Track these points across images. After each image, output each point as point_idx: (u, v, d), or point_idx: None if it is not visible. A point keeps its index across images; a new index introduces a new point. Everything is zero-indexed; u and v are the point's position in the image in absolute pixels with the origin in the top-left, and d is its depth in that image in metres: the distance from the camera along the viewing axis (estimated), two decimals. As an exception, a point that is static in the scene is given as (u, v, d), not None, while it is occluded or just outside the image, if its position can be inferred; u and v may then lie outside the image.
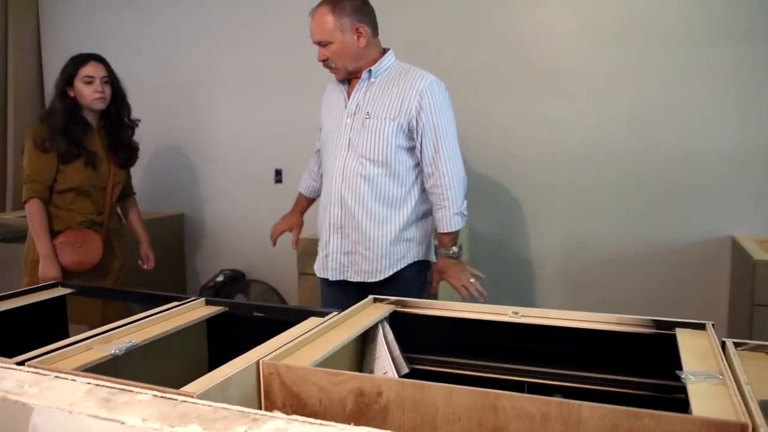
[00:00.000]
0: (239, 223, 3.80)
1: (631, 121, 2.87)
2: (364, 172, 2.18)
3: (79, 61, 2.68)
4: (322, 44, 2.19)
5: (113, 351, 1.32)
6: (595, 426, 0.95)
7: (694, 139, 2.78)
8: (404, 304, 1.64)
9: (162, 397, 0.88)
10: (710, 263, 2.82)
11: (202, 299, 1.71)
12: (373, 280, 2.23)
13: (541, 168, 3.04)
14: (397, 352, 1.54)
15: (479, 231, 3.09)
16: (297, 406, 1.14)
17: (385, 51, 2.27)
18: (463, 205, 2.21)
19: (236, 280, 3.67)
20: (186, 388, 1.05)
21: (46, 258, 2.58)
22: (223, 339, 1.69)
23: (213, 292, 3.46)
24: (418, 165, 2.23)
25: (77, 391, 0.90)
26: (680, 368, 1.18)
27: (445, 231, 2.20)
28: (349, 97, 2.26)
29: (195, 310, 1.66)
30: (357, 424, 0.96)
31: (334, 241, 2.26)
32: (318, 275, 2.34)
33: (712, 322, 1.38)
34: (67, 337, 1.54)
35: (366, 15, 2.20)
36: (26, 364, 1.18)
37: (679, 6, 2.77)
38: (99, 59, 2.71)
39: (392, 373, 1.48)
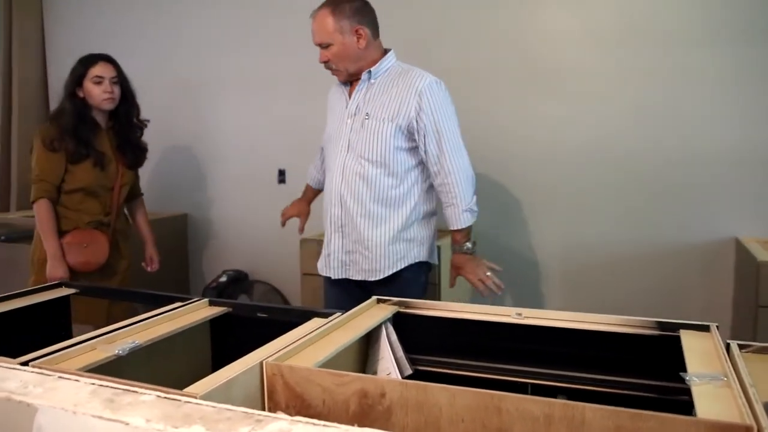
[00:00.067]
0: (242, 224, 3.80)
1: (632, 121, 2.86)
2: (363, 172, 2.20)
3: (89, 61, 2.68)
4: (322, 46, 2.21)
5: (117, 351, 1.32)
6: (599, 428, 0.95)
7: (696, 139, 2.77)
8: (408, 305, 1.64)
9: (166, 397, 0.88)
10: (714, 264, 2.81)
11: (206, 300, 1.71)
12: (373, 279, 2.25)
13: (542, 168, 3.04)
14: (400, 353, 1.54)
15: (479, 231, 3.07)
16: (300, 407, 1.14)
17: (386, 52, 2.28)
18: (473, 200, 2.22)
19: (239, 281, 3.68)
20: (189, 389, 1.05)
21: (53, 258, 2.58)
22: (227, 339, 1.69)
23: (216, 293, 3.47)
24: (419, 165, 2.24)
25: (81, 392, 0.90)
26: (684, 370, 1.18)
27: (456, 228, 2.22)
28: (350, 98, 2.28)
29: (198, 311, 1.66)
30: (360, 425, 0.96)
31: (336, 240, 2.28)
32: (321, 273, 2.37)
33: (717, 324, 1.37)
34: (70, 337, 1.55)
35: (366, 16, 2.21)
36: (30, 364, 1.19)
37: (680, 6, 2.77)
38: (108, 59, 2.71)
39: (395, 374, 1.48)
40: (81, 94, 2.66)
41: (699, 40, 2.74)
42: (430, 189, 2.29)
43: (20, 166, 4.14)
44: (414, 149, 2.21)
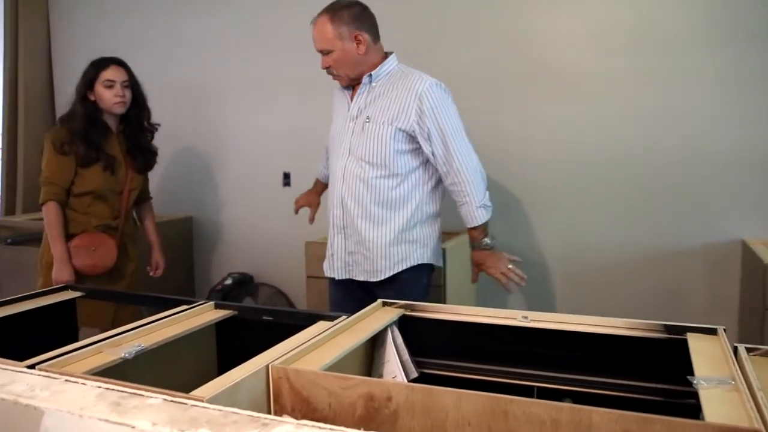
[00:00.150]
0: (247, 226, 3.81)
1: (635, 122, 2.86)
2: (363, 174, 2.22)
3: (100, 64, 2.68)
4: (323, 52, 2.24)
5: (123, 355, 1.32)
6: (606, 432, 0.95)
7: (700, 140, 2.76)
8: (413, 308, 1.63)
9: (172, 401, 0.88)
10: (720, 267, 2.80)
11: (211, 303, 1.71)
12: (374, 279, 2.26)
13: (543, 168, 3.03)
14: (406, 356, 1.53)
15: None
16: (306, 410, 1.14)
17: (387, 55, 2.30)
18: (485, 197, 2.23)
19: (244, 284, 3.68)
20: (196, 392, 1.05)
21: (60, 261, 2.59)
22: (232, 343, 1.69)
23: (221, 296, 3.47)
24: (421, 166, 2.25)
25: (88, 395, 0.91)
26: (691, 373, 1.17)
27: (473, 225, 2.23)
28: (351, 102, 2.30)
29: (204, 314, 1.66)
30: (367, 428, 0.96)
31: (338, 241, 2.31)
32: (325, 274, 2.39)
33: (724, 327, 1.37)
34: (76, 340, 1.55)
35: (364, 22, 2.23)
36: (37, 367, 1.19)
37: (680, 8, 2.76)
38: (120, 63, 2.72)
39: (401, 378, 1.48)
40: (92, 98, 2.67)
41: (701, 40, 2.74)
42: (434, 190, 2.30)
43: (26, 169, 4.16)
44: (415, 151, 2.23)
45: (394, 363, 1.49)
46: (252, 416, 0.82)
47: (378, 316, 1.58)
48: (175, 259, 3.46)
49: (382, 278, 2.25)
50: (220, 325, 1.67)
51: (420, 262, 2.28)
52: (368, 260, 2.26)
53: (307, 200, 2.77)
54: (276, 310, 1.70)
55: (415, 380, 1.50)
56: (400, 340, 1.55)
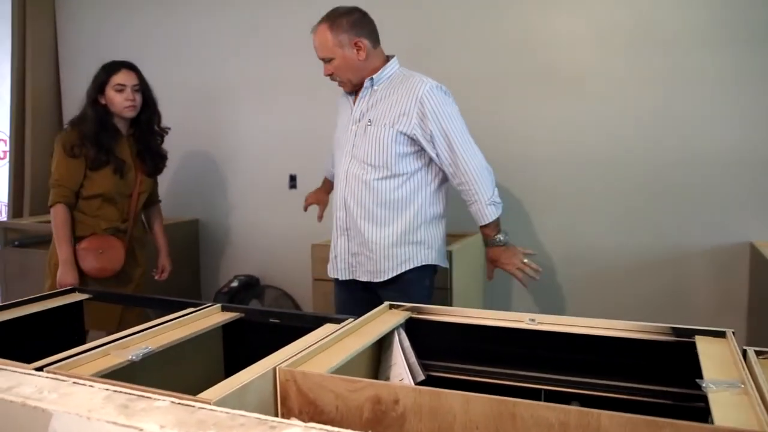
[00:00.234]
0: (254, 229, 3.81)
1: (639, 123, 2.85)
2: (366, 177, 2.24)
3: (111, 68, 2.69)
4: (325, 60, 2.27)
5: (130, 357, 1.32)
6: (615, 435, 0.94)
7: (705, 142, 2.75)
8: (420, 311, 1.63)
9: (179, 403, 0.88)
10: (727, 269, 2.78)
11: (218, 305, 1.71)
12: (377, 280, 2.28)
13: (546, 170, 3.03)
14: (413, 358, 1.53)
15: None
16: (314, 413, 1.14)
17: (388, 59, 2.32)
18: (494, 193, 2.23)
19: (251, 286, 3.68)
20: (203, 395, 1.05)
21: (65, 264, 2.59)
22: (239, 345, 1.69)
23: (227, 298, 3.47)
24: (424, 168, 2.26)
25: (95, 397, 0.91)
26: (700, 377, 1.17)
27: (484, 223, 2.24)
28: (354, 105, 2.33)
29: (211, 317, 1.66)
30: (374, 431, 0.96)
31: (341, 242, 2.33)
32: (329, 275, 2.42)
33: (733, 330, 1.36)
34: (83, 342, 1.55)
35: (364, 28, 2.25)
36: (45, 369, 1.19)
37: (681, 8, 2.76)
38: (131, 67, 2.73)
39: (408, 380, 1.47)
40: (103, 101, 2.68)
41: (701, 41, 2.73)
42: (437, 191, 2.31)
43: (33, 171, 4.17)
44: (417, 153, 2.24)
45: (401, 366, 1.49)
46: (260, 419, 0.82)
47: (385, 319, 1.58)
48: (182, 262, 3.46)
49: (386, 279, 2.26)
50: (226, 328, 1.67)
51: (424, 263, 2.28)
52: (371, 261, 2.27)
53: (316, 198, 2.80)
54: (283, 313, 1.70)
55: (421, 383, 1.50)
56: (407, 342, 1.55)
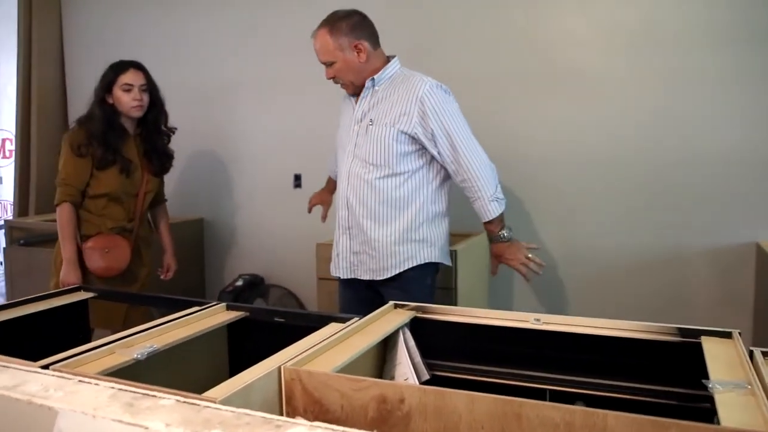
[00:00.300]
0: (258, 228, 3.81)
1: (645, 124, 2.85)
2: (367, 175, 2.26)
3: (119, 68, 2.69)
4: (327, 64, 2.30)
5: (135, 356, 1.33)
6: (621, 436, 0.94)
7: (713, 143, 2.75)
8: (425, 310, 1.63)
9: (185, 402, 0.88)
10: (733, 270, 2.78)
11: (223, 304, 1.72)
12: (380, 278, 2.29)
13: (550, 170, 3.03)
14: (418, 358, 1.53)
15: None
16: (318, 412, 1.14)
17: (389, 59, 2.34)
18: (497, 190, 2.25)
19: (255, 285, 3.68)
20: (208, 394, 1.05)
21: (68, 263, 2.60)
22: (244, 344, 1.69)
23: (232, 297, 3.47)
24: (425, 166, 2.28)
25: (101, 396, 0.91)
26: (705, 377, 1.16)
27: (488, 219, 2.26)
28: (356, 105, 2.35)
29: (216, 315, 1.66)
30: (380, 431, 0.95)
31: (344, 241, 2.36)
32: (332, 274, 2.44)
33: (739, 331, 1.36)
34: (89, 341, 1.56)
35: (363, 30, 2.28)
36: (50, 367, 1.19)
37: (684, 8, 2.76)
38: (138, 67, 2.73)
39: (413, 380, 1.47)
40: (110, 101, 2.68)
41: (702, 41, 2.73)
42: (439, 189, 2.32)
43: (39, 170, 4.18)
44: (418, 151, 2.26)
45: (406, 365, 1.49)
46: (265, 418, 0.82)
47: (390, 318, 1.58)
48: (187, 261, 3.47)
49: (388, 276, 2.28)
50: (231, 327, 1.68)
51: (427, 261, 2.30)
52: (374, 259, 2.29)
53: (320, 199, 2.83)
54: (288, 312, 1.70)
55: (426, 382, 1.50)
56: (411, 342, 1.55)
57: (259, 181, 3.79)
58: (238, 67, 3.77)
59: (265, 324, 1.67)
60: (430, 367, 1.55)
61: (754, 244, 2.72)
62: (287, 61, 3.58)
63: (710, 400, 1.09)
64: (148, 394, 0.91)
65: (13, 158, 4.64)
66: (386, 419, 1.09)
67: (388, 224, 2.26)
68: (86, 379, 0.98)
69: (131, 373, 1.28)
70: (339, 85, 2.36)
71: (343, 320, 1.55)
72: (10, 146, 5.06)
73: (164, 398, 0.89)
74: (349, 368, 1.27)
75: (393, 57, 2.34)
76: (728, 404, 1.04)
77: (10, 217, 4.45)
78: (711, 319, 2.77)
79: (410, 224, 2.26)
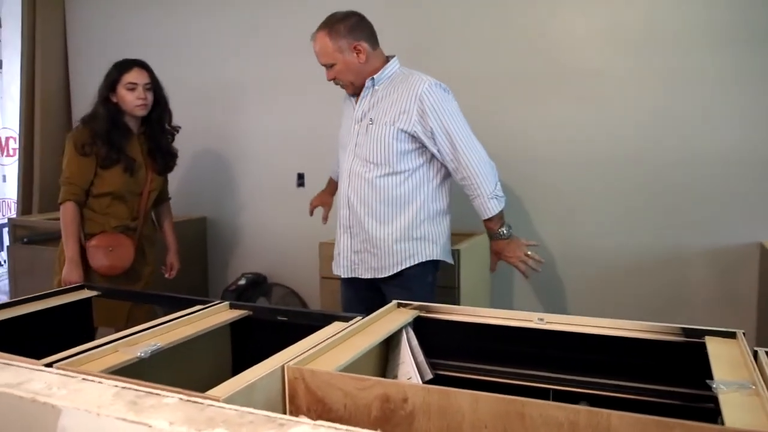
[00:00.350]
0: (261, 227, 3.81)
1: (650, 124, 2.84)
2: (368, 175, 2.28)
3: (123, 67, 2.69)
4: (327, 66, 2.32)
5: (139, 354, 1.33)
6: (625, 435, 0.94)
7: (714, 143, 2.74)
8: (428, 309, 1.63)
9: (188, 400, 0.88)
10: (736, 270, 2.77)
11: (226, 303, 1.72)
12: (382, 276, 2.31)
13: (550, 170, 3.03)
14: (421, 357, 1.53)
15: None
16: (322, 411, 1.14)
17: (389, 59, 2.36)
18: (497, 187, 2.26)
19: (258, 284, 3.69)
20: (212, 392, 1.05)
21: (71, 262, 2.60)
22: (247, 343, 1.69)
23: (235, 296, 3.48)
24: (425, 165, 2.29)
25: (105, 394, 0.91)
26: (709, 377, 1.16)
27: (487, 217, 2.27)
28: (356, 105, 2.37)
29: (219, 314, 1.66)
30: (383, 429, 0.95)
31: (345, 240, 2.37)
32: (334, 272, 2.45)
33: (743, 331, 1.35)
34: (92, 339, 1.56)
35: (362, 32, 2.29)
36: (54, 365, 1.19)
37: (684, 9, 2.75)
38: (142, 65, 2.72)
39: (416, 379, 1.47)
40: (114, 100, 2.68)
41: (702, 41, 2.73)
42: (440, 187, 2.33)
43: (42, 169, 4.19)
44: (418, 150, 2.27)
45: (409, 364, 1.49)
46: (268, 416, 0.81)
47: (393, 318, 1.58)
48: (190, 259, 3.47)
49: (390, 274, 2.29)
50: (234, 325, 1.68)
51: (428, 259, 2.31)
52: (375, 258, 2.30)
53: (321, 200, 2.84)
54: (291, 311, 1.71)
55: (429, 382, 1.50)
56: (415, 341, 1.55)
57: (262, 180, 3.79)
58: (241, 67, 3.77)
59: (268, 323, 1.68)
60: (433, 366, 1.55)
61: (756, 245, 2.71)
62: (290, 61, 3.58)
63: (714, 400, 1.09)
64: (151, 393, 0.91)
65: (16, 156, 4.65)
66: (389, 418, 1.09)
67: (390, 222, 2.28)
68: (90, 377, 0.98)
69: (135, 371, 1.28)
70: (339, 86, 2.38)
71: (346, 319, 1.55)
72: (14, 144, 5.07)
73: (168, 396, 0.89)
74: (352, 367, 1.27)
75: (392, 57, 2.36)
76: (732, 404, 1.03)
77: (14, 216, 4.46)
78: (711, 319, 2.76)
79: (411, 222, 2.27)
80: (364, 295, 2.35)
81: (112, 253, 2.67)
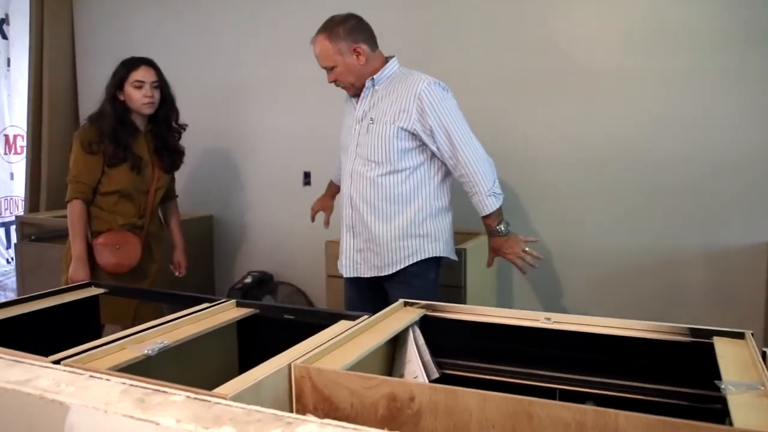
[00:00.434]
0: (268, 225, 3.82)
1: (650, 124, 2.83)
2: (370, 173, 2.30)
3: (130, 65, 2.69)
4: (328, 69, 2.35)
5: (146, 351, 1.33)
6: (632, 436, 0.93)
7: (722, 143, 2.72)
8: (434, 309, 1.63)
9: (195, 398, 0.88)
10: (740, 270, 2.75)
11: (233, 301, 1.72)
12: (385, 273, 2.33)
13: (550, 170, 3.02)
14: (427, 356, 1.53)
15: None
16: (328, 409, 1.14)
17: (388, 60, 2.38)
18: (495, 185, 2.28)
19: (264, 282, 3.69)
20: (219, 390, 1.05)
21: (77, 260, 2.61)
22: (253, 341, 1.69)
23: (241, 294, 3.48)
24: (426, 162, 2.31)
25: (112, 391, 0.91)
26: (716, 378, 1.16)
27: (485, 214, 2.29)
28: (357, 105, 2.39)
29: (226, 312, 1.66)
30: (389, 428, 0.95)
31: (348, 239, 2.40)
32: (339, 271, 2.47)
33: (752, 331, 1.35)
34: (99, 336, 1.56)
35: (361, 34, 2.32)
36: (62, 363, 1.20)
37: (685, 9, 2.74)
38: (150, 63, 2.73)
39: (423, 378, 1.47)
40: (121, 98, 2.68)
41: (703, 41, 2.72)
42: (441, 185, 2.35)
43: (50, 167, 4.20)
44: (419, 148, 2.29)
45: (416, 363, 1.49)
46: (275, 414, 0.82)
47: (399, 316, 1.58)
48: (196, 258, 3.48)
49: (393, 272, 2.31)
50: (241, 323, 1.68)
51: (431, 255, 2.33)
52: (378, 256, 2.32)
53: (321, 205, 2.88)
54: (297, 309, 1.71)
55: (436, 381, 1.50)
56: (421, 340, 1.55)
57: (268, 179, 3.79)
58: (248, 65, 3.77)
59: (274, 321, 1.68)
60: (439, 365, 1.55)
61: (760, 245, 2.70)
62: (297, 60, 3.57)
63: (721, 400, 1.09)
64: (159, 390, 0.91)
65: (24, 154, 4.67)
66: (396, 417, 1.09)
67: (392, 220, 2.30)
68: (98, 375, 0.98)
69: (142, 368, 1.28)
70: (340, 87, 2.40)
71: (352, 318, 1.55)
72: (22, 142, 5.10)
73: (175, 394, 0.89)
74: (358, 366, 1.27)
75: (392, 57, 2.38)
76: (741, 405, 1.03)
77: (22, 213, 4.48)
78: (712, 320, 2.73)
79: (413, 219, 2.30)
80: (367, 293, 2.37)
81: (119, 251, 2.67)
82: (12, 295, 4.56)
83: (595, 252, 2.97)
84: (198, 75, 3.90)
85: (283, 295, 3.70)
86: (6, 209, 5.20)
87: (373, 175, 2.29)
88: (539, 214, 3.08)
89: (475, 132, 2.29)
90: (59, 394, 0.90)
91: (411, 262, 2.30)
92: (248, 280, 3.61)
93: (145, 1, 4.07)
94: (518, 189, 3.08)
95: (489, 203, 2.26)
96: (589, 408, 0.97)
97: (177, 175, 3.01)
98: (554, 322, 1.49)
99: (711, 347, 1.31)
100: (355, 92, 2.39)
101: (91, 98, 2.90)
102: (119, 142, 2.64)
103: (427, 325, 1.59)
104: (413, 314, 1.59)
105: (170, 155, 2.84)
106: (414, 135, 2.26)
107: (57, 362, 1.19)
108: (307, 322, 1.58)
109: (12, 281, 4.78)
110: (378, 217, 2.30)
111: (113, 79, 2.69)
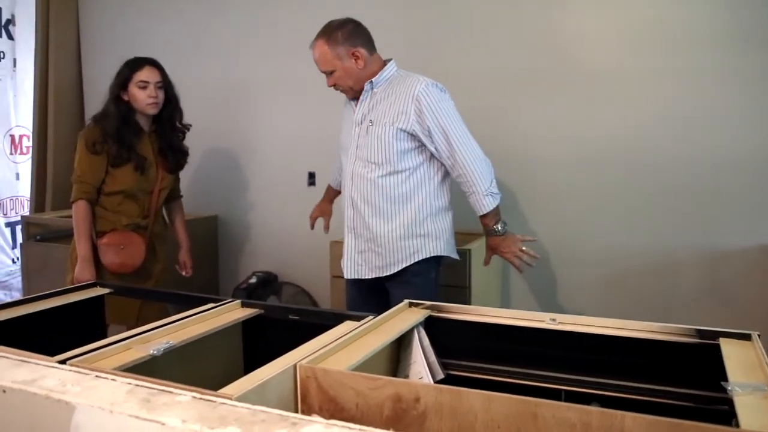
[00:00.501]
0: (272, 226, 3.82)
1: (650, 124, 2.82)
2: (370, 175, 2.32)
3: (135, 65, 2.70)
4: (327, 73, 2.37)
5: (152, 351, 1.33)
6: (638, 437, 0.93)
7: (727, 143, 2.71)
8: (439, 309, 1.63)
9: (201, 398, 0.88)
10: (746, 270, 2.74)
11: (238, 301, 1.72)
12: (386, 273, 2.34)
13: (550, 170, 3.01)
14: (432, 357, 1.53)
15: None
16: (334, 410, 1.14)
17: (386, 62, 2.40)
18: (492, 184, 2.30)
19: (269, 282, 3.69)
20: (224, 390, 1.06)
21: (83, 260, 2.61)
22: (259, 341, 1.69)
23: (246, 294, 3.49)
24: (425, 163, 2.33)
25: (118, 391, 0.91)
26: (722, 379, 1.15)
27: (482, 213, 2.31)
28: (356, 108, 2.41)
29: (231, 312, 1.66)
30: (395, 429, 0.95)
31: (349, 241, 2.42)
32: (342, 271, 2.49)
33: (758, 333, 1.34)
34: (104, 336, 1.56)
35: (359, 37, 2.34)
36: (68, 363, 1.20)
37: (686, 9, 2.73)
38: (154, 64, 2.73)
39: (428, 379, 1.47)
40: (126, 98, 2.68)
41: (726, 43, 2.70)
42: (441, 184, 2.36)
43: (55, 167, 4.21)
44: (418, 148, 2.31)
45: (421, 364, 1.49)
46: (281, 415, 0.81)
47: (404, 317, 1.58)
48: (201, 258, 3.48)
49: (394, 271, 2.32)
50: (246, 324, 1.68)
51: (433, 255, 2.34)
52: (380, 256, 2.33)
53: (320, 211, 2.90)
54: (302, 310, 1.71)
55: (441, 381, 1.50)
56: (426, 341, 1.54)
57: (273, 179, 3.79)
58: (253, 66, 3.78)
59: (279, 321, 1.68)
60: (444, 366, 1.55)
61: (764, 244, 2.68)
62: (302, 60, 3.53)
63: (728, 402, 1.08)
64: (164, 390, 0.91)
65: (30, 154, 4.68)
66: (401, 418, 1.09)
67: (393, 220, 2.31)
68: (103, 375, 0.98)
69: (147, 368, 1.28)
70: (339, 91, 2.42)
71: (357, 318, 1.54)
72: (27, 143, 5.11)
73: (180, 394, 0.89)
74: (363, 366, 1.27)
75: (389, 60, 2.40)
76: (748, 407, 1.02)
77: (27, 213, 4.49)
78: (714, 320, 2.73)
79: (414, 219, 2.31)
80: (368, 294, 2.39)
81: (123, 251, 2.68)
82: (18, 295, 4.58)
83: (595, 252, 2.97)
84: (203, 75, 3.91)
85: (288, 295, 3.70)
86: (12, 209, 5.21)
87: (374, 176, 2.31)
88: (539, 214, 3.07)
89: (474, 132, 2.31)
90: (65, 394, 0.90)
91: (412, 262, 2.31)
92: (253, 280, 3.62)
93: (150, 2, 4.08)
94: (518, 189, 3.08)
95: (486, 203, 2.28)
96: (594, 409, 0.97)
97: (182, 175, 3.01)
98: (559, 323, 1.49)
99: (717, 348, 1.31)
100: (354, 95, 2.42)
101: (97, 98, 2.91)
102: (123, 142, 2.64)
103: (432, 325, 1.59)
104: (418, 315, 1.59)
105: (174, 155, 2.84)
106: (413, 136, 2.27)
107: (63, 362, 1.19)
108: (312, 323, 1.58)
109: (18, 281, 4.80)
110: (379, 217, 2.32)
111: (117, 80, 2.69)
